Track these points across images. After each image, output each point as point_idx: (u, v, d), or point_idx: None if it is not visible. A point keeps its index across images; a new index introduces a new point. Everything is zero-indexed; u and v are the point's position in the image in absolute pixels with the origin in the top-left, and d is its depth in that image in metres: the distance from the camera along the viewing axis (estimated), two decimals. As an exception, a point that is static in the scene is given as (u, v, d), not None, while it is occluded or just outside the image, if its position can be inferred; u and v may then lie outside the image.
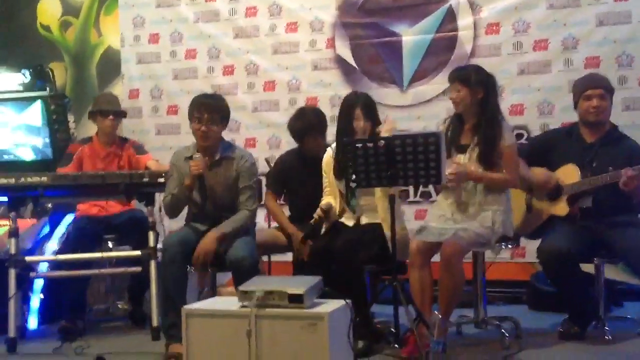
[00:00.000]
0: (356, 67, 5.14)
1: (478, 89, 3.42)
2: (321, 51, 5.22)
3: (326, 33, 5.21)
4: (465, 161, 3.43)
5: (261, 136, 5.32)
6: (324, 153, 3.75)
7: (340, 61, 5.18)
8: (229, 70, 5.46)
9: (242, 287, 2.89)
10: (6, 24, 6.26)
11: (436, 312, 3.32)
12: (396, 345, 3.21)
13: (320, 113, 4.02)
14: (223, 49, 5.46)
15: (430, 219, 3.54)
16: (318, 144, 3.87)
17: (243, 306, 2.83)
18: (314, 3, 5.25)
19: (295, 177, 4.01)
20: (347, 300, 2.87)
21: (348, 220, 3.64)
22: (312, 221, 3.55)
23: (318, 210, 3.55)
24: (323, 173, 3.73)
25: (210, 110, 3.64)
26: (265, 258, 4.01)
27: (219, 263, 3.58)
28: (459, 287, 3.28)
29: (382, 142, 3.15)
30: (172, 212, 3.72)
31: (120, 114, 4.49)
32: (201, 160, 3.60)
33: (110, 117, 4.33)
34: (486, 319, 3.63)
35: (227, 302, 3.04)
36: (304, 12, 5.27)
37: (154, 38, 5.67)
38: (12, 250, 3.72)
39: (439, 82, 4.87)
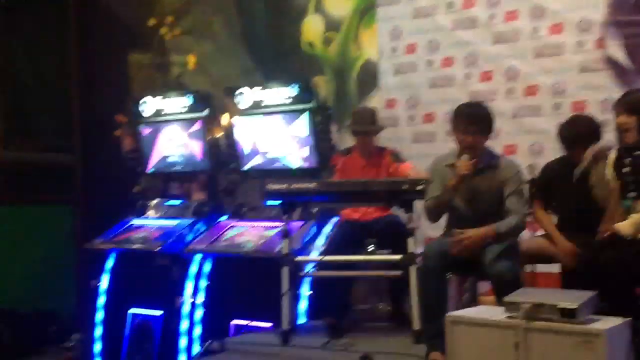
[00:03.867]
0: (630, 67, 4.76)
1: None
2: (589, 52, 4.91)
3: (594, 33, 4.90)
4: None
5: (522, 143, 5.13)
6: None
7: (611, 62, 4.83)
8: (487, 77, 5.38)
9: (508, 298, 2.82)
10: (275, 41, 6.78)
11: None
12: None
13: (592, 122, 3.79)
14: (481, 55, 5.40)
15: None
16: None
17: (510, 317, 2.76)
18: (581, 3, 4.95)
19: (562, 186, 3.82)
20: (628, 318, 2.65)
21: (624, 228, 3.36)
22: None
23: None
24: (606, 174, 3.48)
25: (477, 121, 3.62)
26: (529, 268, 3.87)
27: (480, 271, 3.53)
28: None
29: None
30: (434, 216, 3.76)
31: (374, 132, 4.57)
32: (468, 161, 3.57)
33: (366, 135, 4.47)
34: None
35: (491, 311, 2.99)
36: (569, 12, 4.99)
37: (411, 48, 5.78)
38: (285, 250, 3.99)
39: None
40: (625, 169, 3.00)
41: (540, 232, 3.95)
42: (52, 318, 6.72)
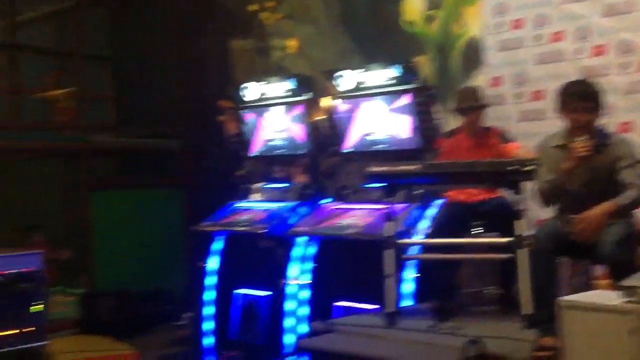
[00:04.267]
0: None
1: None
2: None
3: None
4: None
5: (638, 119, 4.87)
6: None
7: None
8: (599, 51, 5.13)
9: (626, 282, 2.71)
10: (375, 22, 6.73)
11: None
12: None
13: None
14: (593, 29, 5.15)
15: None
16: None
17: (627, 302, 2.65)
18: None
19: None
20: None
21: None
22: None
23: None
24: None
25: (589, 99, 3.48)
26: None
27: (595, 254, 3.40)
28: None
29: None
30: (548, 200, 3.65)
31: (481, 108, 4.49)
32: (587, 142, 3.45)
33: (472, 113, 4.38)
34: None
35: (606, 296, 2.89)
36: (691, -22, 4.70)
37: (517, 24, 5.59)
38: (388, 233, 3.97)
39: None
40: None
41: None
42: (165, 297, 7.07)
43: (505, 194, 4.21)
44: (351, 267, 4.71)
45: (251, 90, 5.90)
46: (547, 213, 3.91)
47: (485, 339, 3.26)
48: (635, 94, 4.92)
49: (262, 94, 5.86)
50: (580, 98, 3.53)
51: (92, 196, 7.59)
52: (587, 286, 3.58)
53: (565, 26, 5.29)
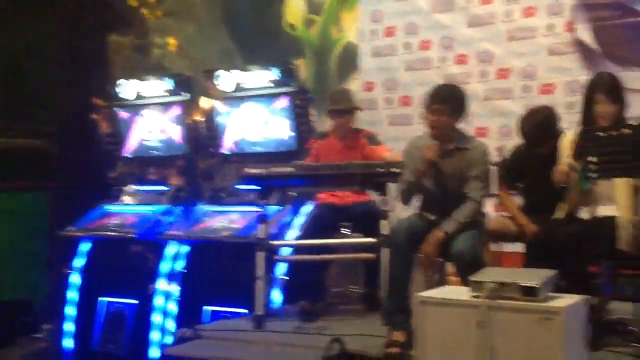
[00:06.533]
0: (598, 50, 4.83)
1: None
2: (559, 35, 4.98)
3: (565, 16, 4.95)
4: None
5: (493, 125, 5.22)
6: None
7: (579, 45, 4.90)
8: (461, 60, 5.43)
9: (473, 278, 2.89)
10: (257, 23, 6.76)
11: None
12: (636, 344, 2.99)
13: (550, 115, 3.77)
14: (457, 38, 5.44)
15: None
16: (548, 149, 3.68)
17: (475, 296, 2.83)
18: (554, -15, 5.02)
19: (529, 169, 3.86)
20: (586, 296, 2.74)
21: (584, 212, 3.45)
22: None
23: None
24: (560, 155, 3.52)
25: (441, 101, 3.67)
26: (495, 247, 3.95)
27: (446, 253, 3.62)
28: None
29: (628, 129, 2.94)
30: (406, 199, 3.83)
31: (352, 111, 4.57)
32: (435, 146, 3.62)
33: (344, 115, 4.49)
34: None
35: (457, 291, 3.05)
36: (542, -5, 5.06)
37: (389, 31, 5.82)
38: (261, 235, 3.99)
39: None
40: (588, 151, 3.05)
41: (505, 213, 4.02)
42: (24, 307, 6.58)
43: (373, 196, 4.35)
44: (224, 270, 4.69)
45: (127, 88, 5.76)
46: (410, 213, 4.09)
47: (347, 338, 3.37)
48: (492, 100, 5.25)
49: (139, 93, 5.74)
50: (434, 100, 3.70)
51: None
52: (441, 282, 3.78)
53: (432, 35, 5.56)
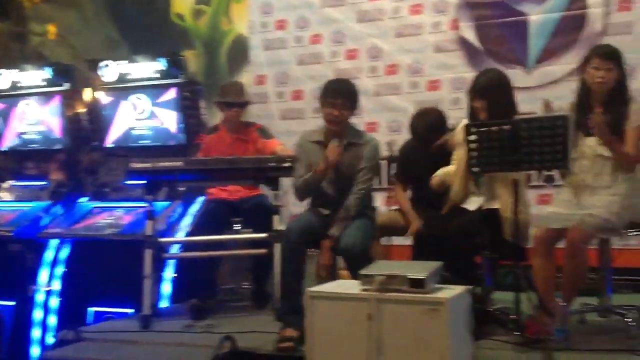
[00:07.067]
0: (480, 48, 5.02)
1: (619, 69, 3.27)
2: (444, 33, 5.14)
3: (450, 14, 5.11)
4: (594, 144, 3.27)
5: (382, 120, 5.31)
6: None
7: (463, 42, 5.07)
8: (352, 55, 5.49)
9: (363, 271, 2.92)
10: (143, 12, 6.56)
11: (558, 300, 3.21)
12: (517, 332, 3.13)
13: (440, 115, 3.87)
14: (347, 33, 5.49)
15: (555, 204, 3.42)
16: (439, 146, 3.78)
17: (364, 290, 2.86)
18: (439, -17, 5.15)
19: (420, 166, 3.91)
20: (469, 287, 2.83)
21: (470, 205, 3.57)
22: None
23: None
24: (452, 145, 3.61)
25: (344, 95, 3.68)
26: (385, 241, 4.01)
27: (335, 248, 3.65)
28: (583, 274, 3.16)
29: (508, 125, 3.07)
30: (303, 196, 3.82)
31: (244, 105, 4.54)
32: (337, 147, 3.65)
33: (235, 108, 4.43)
34: (611, 308, 3.46)
35: (348, 285, 3.08)
36: (429, -7, 5.18)
37: (281, 24, 5.79)
38: (149, 232, 3.87)
39: (567, 62, 4.67)
40: (472, 145, 3.16)
41: (395, 207, 4.10)
42: None
43: (265, 191, 4.32)
44: (110, 270, 4.51)
45: (3, 78, 5.49)
46: (302, 208, 4.09)
47: (238, 335, 3.32)
48: (382, 96, 5.35)
49: (16, 83, 5.48)
50: (334, 94, 3.71)
51: None
52: (333, 277, 3.81)
53: (323, 30, 5.59)
